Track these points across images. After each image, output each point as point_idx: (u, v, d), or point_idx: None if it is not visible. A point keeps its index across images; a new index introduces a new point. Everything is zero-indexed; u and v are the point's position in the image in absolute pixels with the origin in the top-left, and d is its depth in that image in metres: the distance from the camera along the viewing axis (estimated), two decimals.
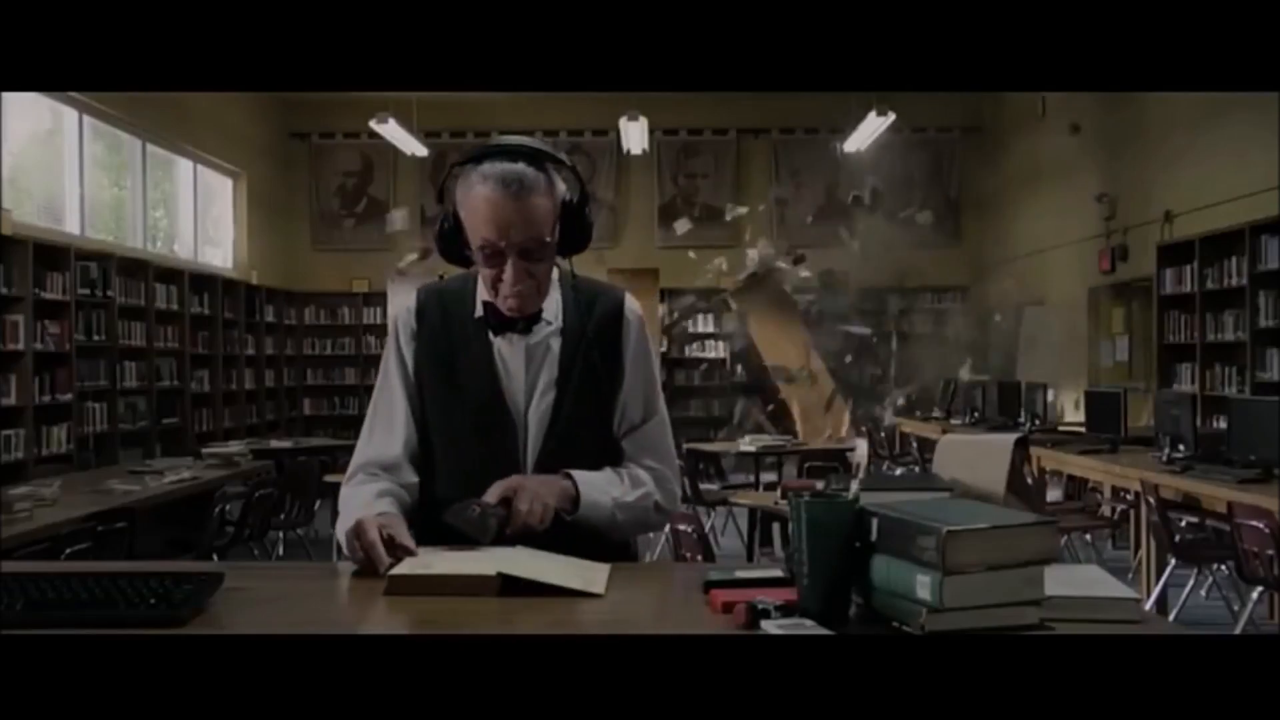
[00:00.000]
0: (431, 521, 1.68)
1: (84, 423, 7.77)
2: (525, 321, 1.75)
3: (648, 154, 11.94)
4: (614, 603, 1.41)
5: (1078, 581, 1.31)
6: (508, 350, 1.76)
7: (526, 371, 1.76)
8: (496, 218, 1.64)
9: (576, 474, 1.71)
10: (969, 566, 1.14)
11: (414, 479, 1.79)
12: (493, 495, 1.62)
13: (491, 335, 1.76)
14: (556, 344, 1.77)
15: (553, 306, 1.78)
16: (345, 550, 1.59)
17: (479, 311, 1.77)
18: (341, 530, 1.63)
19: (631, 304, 1.84)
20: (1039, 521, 1.19)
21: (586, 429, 1.77)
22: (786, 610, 1.22)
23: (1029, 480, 1.71)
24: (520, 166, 1.65)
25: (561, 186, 1.73)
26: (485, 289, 1.75)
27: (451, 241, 1.73)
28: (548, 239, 1.69)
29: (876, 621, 1.21)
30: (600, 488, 1.72)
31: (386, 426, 1.80)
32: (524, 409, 1.76)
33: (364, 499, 1.69)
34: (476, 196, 1.66)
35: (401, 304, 1.87)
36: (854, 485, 1.63)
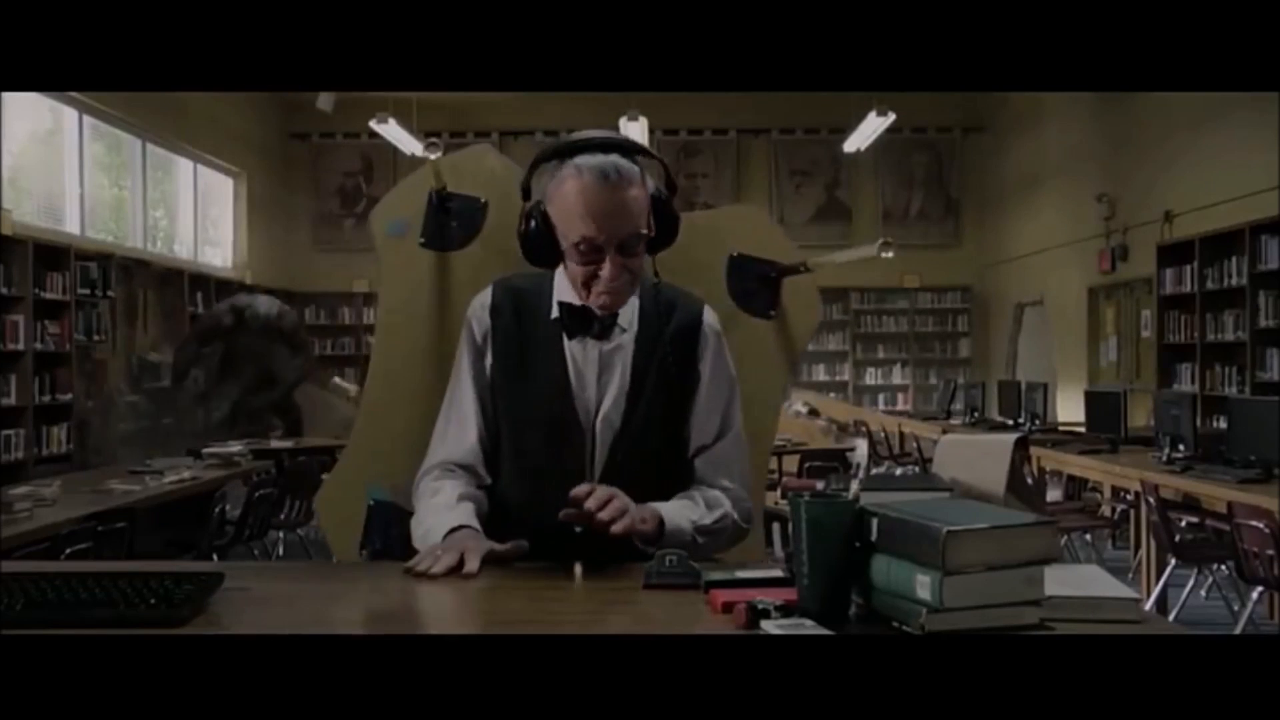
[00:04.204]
0: (499, 523, 1.66)
1: (84, 423, 7.77)
2: (601, 326, 1.69)
3: None
4: (614, 602, 1.42)
5: (1078, 581, 1.31)
6: (580, 355, 1.70)
7: (598, 378, 1.69)
8: (596, 212, 1.58)
9: (656, 505, 1.62)
10: (969, 566, 1.13)
11: (488, 479, 1.75)
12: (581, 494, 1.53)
13: (566, 338, 1.70)
14: (630, 351, 1.70)
15: (629, 312, 1.71)
16: (416, 543, 1.60)
17: (555, 313, 1.70)
18: (419, 529, 1.64)
19: (710, 316, 1.77)
20: (1039, 521, 1.19)
21: (656, 440, 1.70)
22: (786, 610, 1.22)
23: (1029, 480, 1.71)
24: (615, 158, 1.60)
25: (651, 180, 1.68)
26: (569, 289, 1.68)
27: (541, 242, 1.65)
28: (644, 231, 1.63)
29: (876, 621, 1.21)
30: (680, 513, 1.64)
31: (460, 425, 1.75)
32: (593, 416, 1.69)
33: (445, 500, 1.65)
34: (571, 191, 1.59)
35: (476, 299, 1.79)
36: (854, 485, 1.62)
